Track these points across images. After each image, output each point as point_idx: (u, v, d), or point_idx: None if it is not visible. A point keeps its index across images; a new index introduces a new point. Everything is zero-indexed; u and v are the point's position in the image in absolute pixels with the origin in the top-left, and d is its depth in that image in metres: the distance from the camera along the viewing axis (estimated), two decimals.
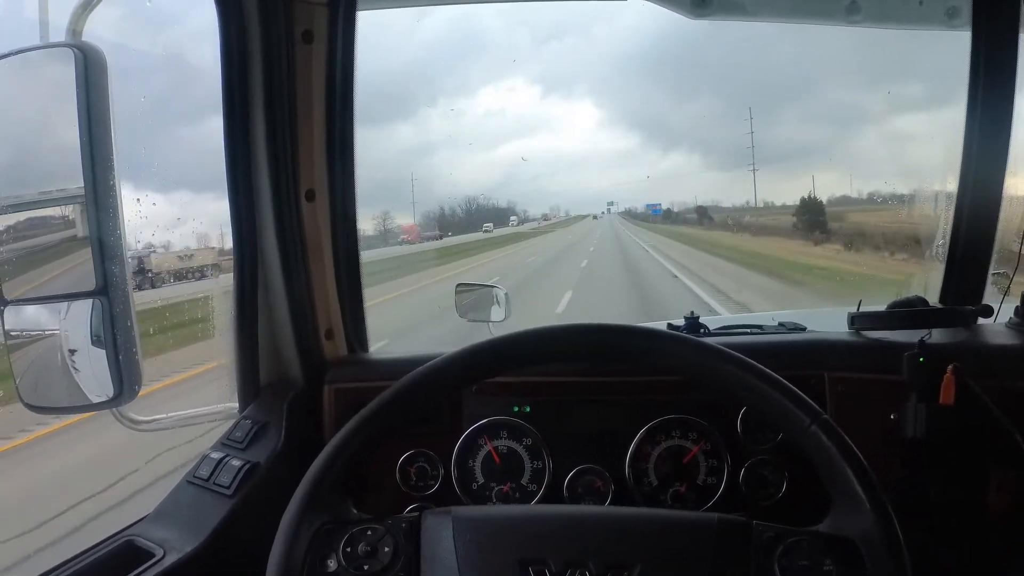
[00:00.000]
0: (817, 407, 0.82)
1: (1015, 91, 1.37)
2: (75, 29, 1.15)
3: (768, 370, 0.84)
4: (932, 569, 1.11)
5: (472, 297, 1.76)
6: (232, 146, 1.21)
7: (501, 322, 1.71)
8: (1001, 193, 1.41)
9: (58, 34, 1.16)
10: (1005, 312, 1.35)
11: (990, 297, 1.41)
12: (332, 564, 0.78)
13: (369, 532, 0.80)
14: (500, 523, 0.82)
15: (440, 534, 0.79)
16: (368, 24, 1.32)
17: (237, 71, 1.19)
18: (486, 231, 34.95)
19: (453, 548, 0.78)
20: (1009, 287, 1.38)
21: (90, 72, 0.91)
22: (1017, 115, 1.38)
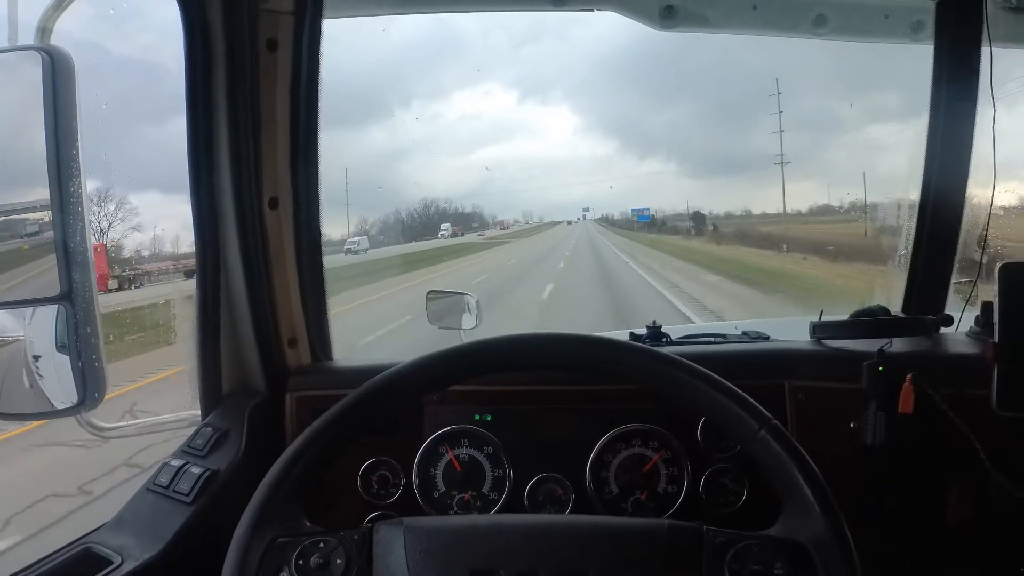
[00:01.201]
0: (767, 413, 0.82)
1: (977, 103, 1.40)
2: (44, 28, 1.15)
3: (718, 377, 0.85)
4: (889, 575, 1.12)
5: (443, 304, 1.77)
6: (196, 153, 1.21)
7: (472, 329, 1.71)
8: (963, 204, 1.44)
9: (27, 35, 1.15)
10: (967, 321, 1.36)
11: (952, 307, 1.43)
12: None
13: (321, 544, 0.80)
14: (452, 533, 0.82)
15: (392, 545, 0.79)
16: (339, 28, 1.32)
17: (201, 78, 1.19)
18: (351, 251, 23.26)
19: (405, 560, 0.78)
20: (971, 296, 1.39)
21: (57, 75, 0.90)
22: (979, 127, 1.41)
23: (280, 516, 0.82)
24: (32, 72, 0.91)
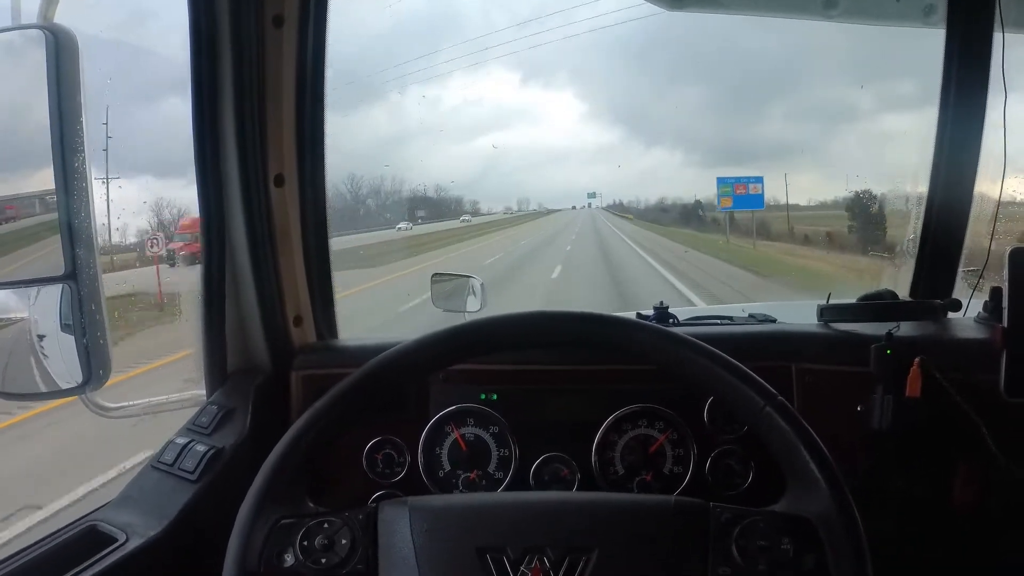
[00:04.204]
0: (772, 389, 0.82)
1: (988, 89, 1.39)
2: (47, 14, 1.14)
3: (723, 353, 0.84)
4: (896, 560, 1.12)
5: (448, 287, 1.76)
6: (200, 130, 1.20)
7: (477, 312, 1.71)
8: (972, 189, 1.42)
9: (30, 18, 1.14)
10: (975, 308, 1.36)
11: (960, 293, 1.42)
12: (289, 559, 0.78)
13: (326, 525, 0.80)
14: (457, 512, 0.82)
15: (397, 525, 0.79)
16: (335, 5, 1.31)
17: (206, 55, 1.18)
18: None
19: (410, 539, 0.78)
20: (978, 282, 1.39)
21: (61, 54, 0.89)
22: (989, 112, 1.39)
23: (284, 497, 0.82)
24: (35, 51, 0.90)
